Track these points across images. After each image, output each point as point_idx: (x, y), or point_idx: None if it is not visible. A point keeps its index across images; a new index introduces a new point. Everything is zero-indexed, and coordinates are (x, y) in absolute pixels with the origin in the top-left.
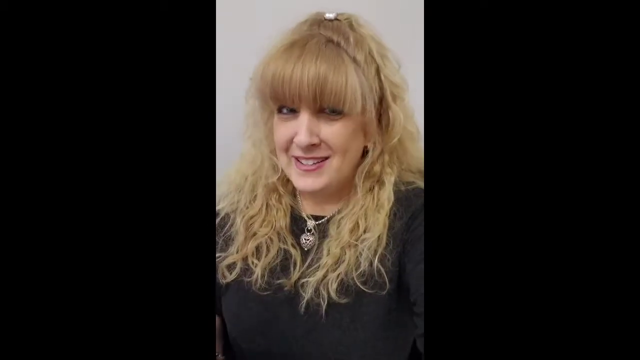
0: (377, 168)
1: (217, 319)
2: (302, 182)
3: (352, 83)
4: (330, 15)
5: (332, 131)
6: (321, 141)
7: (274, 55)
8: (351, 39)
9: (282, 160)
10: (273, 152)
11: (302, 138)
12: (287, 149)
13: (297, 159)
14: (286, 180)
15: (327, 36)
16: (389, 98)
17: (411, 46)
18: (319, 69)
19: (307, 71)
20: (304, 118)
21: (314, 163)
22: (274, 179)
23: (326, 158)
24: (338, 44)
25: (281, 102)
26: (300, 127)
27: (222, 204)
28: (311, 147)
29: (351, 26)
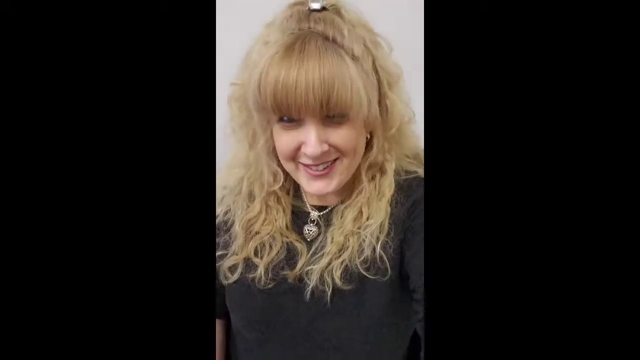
0: (379, 157)
1: (218, 328)
2: (314, 186)
3: (357, 87)
4: (315, 5)
5: (340, 135)
6: (330, 146)
7: (271, 62)
8: (345, 32)
9: (288, 167)
10: (272, 158)
11: (313, 150)
12: (293, 158)
13: (306, 165)
14: (283, 183)
15: (321, 32)
16: (386, 87)
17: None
18: (324, 76)
19: (312, 80)
20: (312, 128)
21: (324, 168)
22: (275, 187)
23: (336, 159)
24: (334, 40)
25: (285, 113)
26: (309, 138)
27: (217, 210)
28: (321, 154)
29: (340, 14)
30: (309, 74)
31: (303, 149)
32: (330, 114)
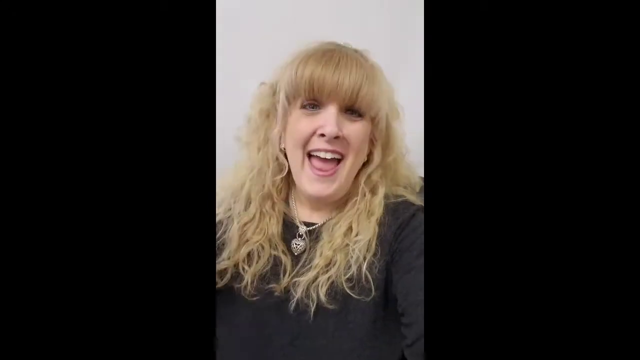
0: (374, 177)
1: None
2: (315, 187)
3: (383, 92)
4: (341, 43)
5: (353, 129)
6: (342, 137)
7: (311, 57)
8: (370, 61)
9: (296, 156)
10: (282, 151)
11: (332, 128)
12: (305, 144)
13: (313, 158)
14: (280, 188)
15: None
16: (390, 118)
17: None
18: (361, 72)
19: (351, 71)
20: (332, 111)
21: (331, 158)
22: (278, 177)
23: (340, 160)
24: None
25: (315, 94)
26: (329, 119)
27: (217, 211)
28: (334, 140)
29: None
30: (348, 66)
31: (320, 131)
32: (356, 106)
